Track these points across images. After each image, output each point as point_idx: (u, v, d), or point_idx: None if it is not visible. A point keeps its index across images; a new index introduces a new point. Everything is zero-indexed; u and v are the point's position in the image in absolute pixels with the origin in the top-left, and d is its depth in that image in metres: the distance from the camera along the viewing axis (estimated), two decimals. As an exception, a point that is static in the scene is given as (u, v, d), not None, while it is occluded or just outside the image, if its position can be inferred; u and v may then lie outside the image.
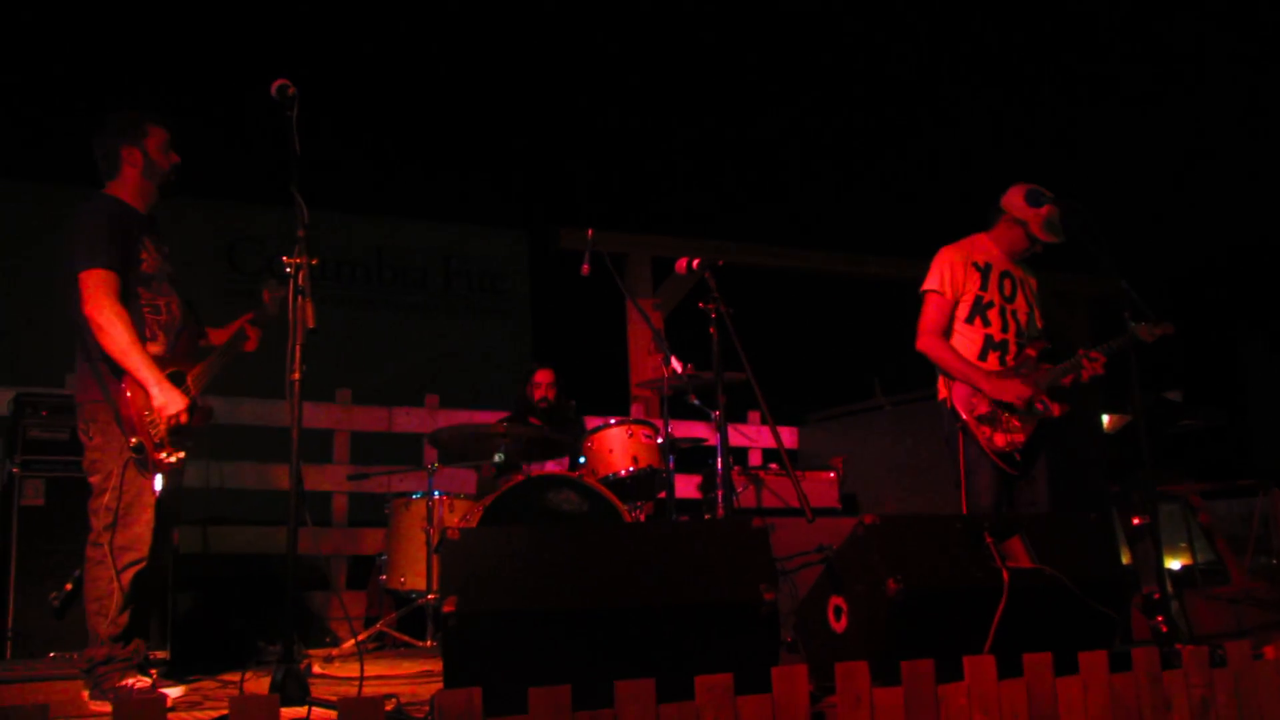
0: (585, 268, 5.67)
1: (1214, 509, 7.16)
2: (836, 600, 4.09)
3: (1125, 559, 6.33)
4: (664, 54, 13.13)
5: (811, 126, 13.59)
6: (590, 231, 5.69)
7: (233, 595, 6.07)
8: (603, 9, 12.43)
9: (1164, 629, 4.79)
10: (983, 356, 5.24)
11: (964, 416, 5.14)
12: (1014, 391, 5.08)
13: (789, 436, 8.42)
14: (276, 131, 3.97)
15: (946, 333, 5.29)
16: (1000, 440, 5.09)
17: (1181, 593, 6.05)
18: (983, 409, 5.12)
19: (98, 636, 4.17)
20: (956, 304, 5.28)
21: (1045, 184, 5.31)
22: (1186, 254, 13.23)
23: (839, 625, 4.07)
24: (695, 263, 5.18)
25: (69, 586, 4.97)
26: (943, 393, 5.31)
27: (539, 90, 12.97)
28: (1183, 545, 7.18)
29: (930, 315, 5.29)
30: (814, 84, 13.41)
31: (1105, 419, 6.50)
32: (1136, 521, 6.31)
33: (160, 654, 5.08)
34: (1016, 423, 5.10)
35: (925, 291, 5.33)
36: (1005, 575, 3.94)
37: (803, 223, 12.40)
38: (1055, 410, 5.13)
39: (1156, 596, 4.97)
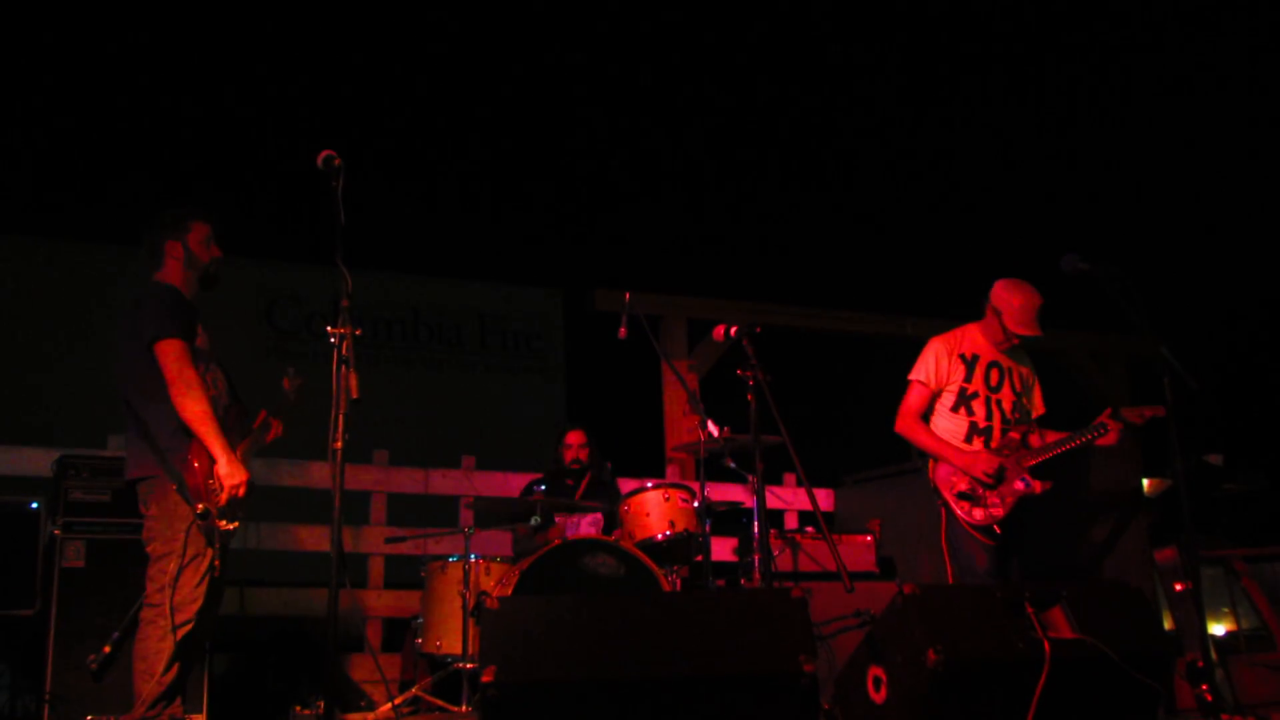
0: (623, 331, 5.71)
1: (1258, 573, 7.06)
2: (876, 670, 4.06)
3: (1168, 625, 6.24)
4: (700, 116, 13.24)
5: (847, 186, 13.63)
6: (627, 295, 5.73)
7: (268, 658, 6.06)
8: (638, 72, 12.57)
9: (1209, 698, 4.73)
10: (968, 440, 5.42)
11: (944, 494, 5.33)
12: (981, 466, 5.21)
13: (825, 499, 8.36)
14: (316, 192, 4.00)
15: (925, 417, 5.49)
16: (979, 515, 5.24)
17: (1226, 659, 5.96)
18: (962, 486, 5.29)
19: (141, 699, 4.16)
20: (940, 393, 5.49)
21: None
22: (1230, 315, 13.11)
23: (878, 696, 4.03)
24: (733, 330, 5.21)
25: (107, 649, 4.98)
26: (930, 469, 5.48)
27: (575, 150, 13.09)
28: (1226, 610, 7.06)
29: (910, 401, 5.52)
30: (850, 146, 13.47)
31: (1146, 483, 6.46)
32: (1179, 587, 6.25)
33: (196, 717, 5.08)
34: (995, 498, 5.22)
35: (910, 380, 5.54)
36: (1047, 646, 3.91)
37: (838, 283, 12.39)
38: (1038, 487, 5.22)
39: (1200, 664, 4.90)
